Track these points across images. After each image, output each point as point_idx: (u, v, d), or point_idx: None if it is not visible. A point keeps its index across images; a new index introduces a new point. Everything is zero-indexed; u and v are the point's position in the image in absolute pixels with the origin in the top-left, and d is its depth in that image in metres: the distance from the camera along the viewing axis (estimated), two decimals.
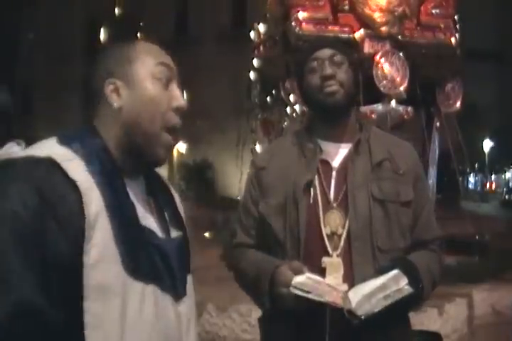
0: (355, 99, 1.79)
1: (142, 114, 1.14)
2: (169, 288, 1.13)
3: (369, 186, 1.66)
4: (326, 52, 1.72)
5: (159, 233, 1.17)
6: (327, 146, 1.73)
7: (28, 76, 25.33)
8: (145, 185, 1.23)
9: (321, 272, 1.58)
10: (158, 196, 1.24)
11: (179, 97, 1.18)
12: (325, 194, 1.68)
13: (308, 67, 1.73)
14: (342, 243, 1.63)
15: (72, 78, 24.29)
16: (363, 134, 1.74)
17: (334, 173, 1.70)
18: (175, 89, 1.19)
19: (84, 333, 0.99)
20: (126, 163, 1.16)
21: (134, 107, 1.14)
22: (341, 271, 1.60)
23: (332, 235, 1.64)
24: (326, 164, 1.71)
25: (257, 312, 1.81)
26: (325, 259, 1.62)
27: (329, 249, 1.63)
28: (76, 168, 1.04)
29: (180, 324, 1.16)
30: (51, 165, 1.02)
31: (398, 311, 1.58)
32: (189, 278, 1.24)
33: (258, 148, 5.91)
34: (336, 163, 1.71)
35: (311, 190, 1.67)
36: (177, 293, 1.15)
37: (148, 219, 1.16)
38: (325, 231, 1.64)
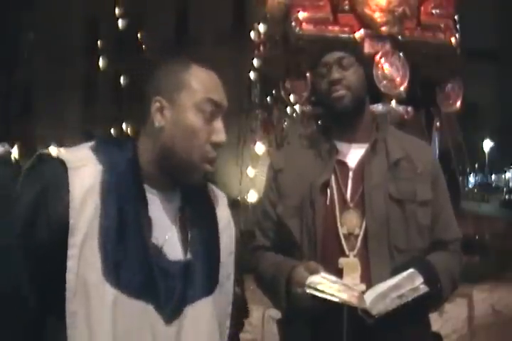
0: (366, 99, 1.77)
1: (180, 143, 1.16)
2: (163, 309, 1.12)
3: (386, 186, 1.65)
4: (333, 56, 1.70)
5: (174, 252, 1.17)
6: (343, 147, 1.72)
7: (28, 76, 25.30)
8: (181, 199, 1.23)
9: (338, 272, 1.58)
10: (189, 213, 1.22)
11: (220, 133, 1.19)
12: (342, 194, 1.67)
13: (317, 72, 1.73)
14: (359, 243, 1.62)
15: (72, 78, 24.27)
16: (379, 134, 1.74)
17: (351, 173, 1.69)
18: (217, 124, 1.19)
19: (67, 332, 1.06)
20: (158, 178, 1.19)
21: (174, 132, 1.16)
22: (358, 272, 1.59)
23: (349, 235, 1.63)
24: (343, 164, 1.70)
25: (257, 312, 1.81)
26: (342, 260, 1.61)
27: (346, 249, 1.62)
28: (83, 176, 1.11)
29: None
30: (63, 170, 1.11)
31: (418, 312, 1.57)
32: (204, 302, 1.19)
33: (258, 146, 5.90)
34: (352, 163, 1.70)
35: (328, 190, 1.66)
36: (168, 314, 1.13)
37: (165, 236, 1.17)
38: (342, 231, 1.63)
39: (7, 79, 25.74)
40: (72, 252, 1.07)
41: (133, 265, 1.10)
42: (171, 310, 1.14)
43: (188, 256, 1.19)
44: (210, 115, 1.18)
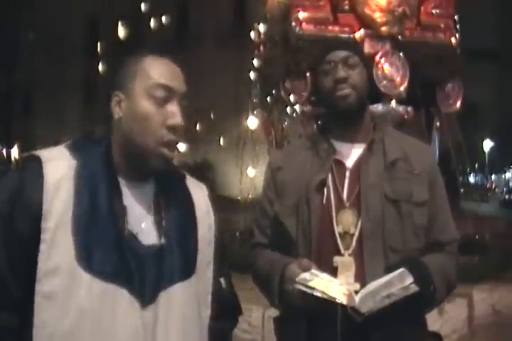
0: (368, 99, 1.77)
1: (135, 129, 1.22)
2: (138, 293, 1.16)
3: (382, 186, 1.65)
4: (339, 55, 1.70)
5: (149, 237, 1.21)
6: (341, 146, 1.73)
7: (28, 76, 25.31)
8: (155, 188, 1.28)
9: (333, 271, 1.58)
10: (164, 201, 1.27)
11: (175, 115, 1.22)
12: (338, 193, 1.67)
13: (321, 69, 1.72)
14: (354, 242, 1.62)
15: (72, 78, 24.28)
16: (377, 134, 1.74)
17: (348, 173, 1.69)
18: (171, 108, 1.22)
19: (35, 310, 1.12)
20: (130, 169, 1.24)
21: (129, 120, 1.23)
22: (353, 270, 1.60)
23: (344, 234, 1.63)
24: (340, 164, 1.70)
25: (257, 312, 1.81)
26: (336, 258, 1.61)
27: (341, 248, 1.62)
28: (57, 168, 1.18)
29: (146, 331, 1.17)
30: (38, 163, 1.18)
31: (412, 312, 1.57)
32: (179, 287, 1.22)
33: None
34: (349, 162, 1.71)
35: (325, 189, 1.67)
36: (143, 299, 1.17)
37: (140, 223, 1.22)
38: (337, 230, 1.64)
39: (7, 79, 25.75)
40: (45, 236, 1.13)
41: (106, 250, 1.15)
42: (146, 294, 1.17)
43: (162, 240, 1.23)
44: (163, 100, 1.22)
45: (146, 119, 1.21)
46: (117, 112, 1.23)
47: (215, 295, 1.33)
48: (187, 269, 1.25)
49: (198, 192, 1.36)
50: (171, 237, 1.24)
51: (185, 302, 1.23)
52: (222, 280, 1.39)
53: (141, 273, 1.17)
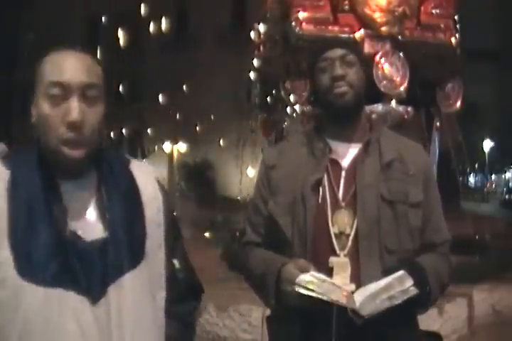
0: (364, 98, 1.76)
1: (41, 130, 1.21)
2: (85, 291, 1.15)
3: (378, 186, 1.65)
4: (337, 52, 1.70)
5: (93, 233, 1.20)
6: (337, 146, 1.72)
7: (28, 76, 25.31)
8: (97, 180, 1.26)
9: (328, 271, 1.58)
10: (106, 193, 1.25)
11: (71, 112, 1.18)
12: (334, 193, 1.66)
13: (318, 66, 1.71)
14: (350, 243, 1.62)
15: None
16: (373, 134, 1.73)
17: (343, 173, 1.68)
18: (70, 104, 1.19)
19: None
20: (64, 168, 1.23)
21: (37, 123, 1.22)
22: (348, 271, 1.59)
23: (340, 234, 1.63)
24: (336, 163, 1.70)
25: (257, 312, 1.81)
26: (332, 259, 1.61)
27: (337, 248, 1.62)
28: None
29: (100, 327, 1.16)
30: None
31: (406, 313, 1.57)
32: (129, 276, 1.21)
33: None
34: (345, 162, 1.70)
35: (320, 189, 1.66)
36: (93, 296, 1.16)
37: (84, 220, 1.21)
38: (333, 230, 1.63)
39: (7, 79, 25.75)
40: None
41: (47, 256, 1.14)
42: (95, 291, 1.17)
43: (106, 233, 1.21)
44: (60, 98, 1.19)
45: (47, 120, 1.19)
46: (33, 116, 1.23)
47: (170, 277, 1.32)
48: (135, 257, 1.24)
49: (144, 176, 1.33)
50: (115, 228, 1.22)
51: (136, 291, 1.22)
52: (175, 261, 1.36)
53: (87, 271, 1.16)
